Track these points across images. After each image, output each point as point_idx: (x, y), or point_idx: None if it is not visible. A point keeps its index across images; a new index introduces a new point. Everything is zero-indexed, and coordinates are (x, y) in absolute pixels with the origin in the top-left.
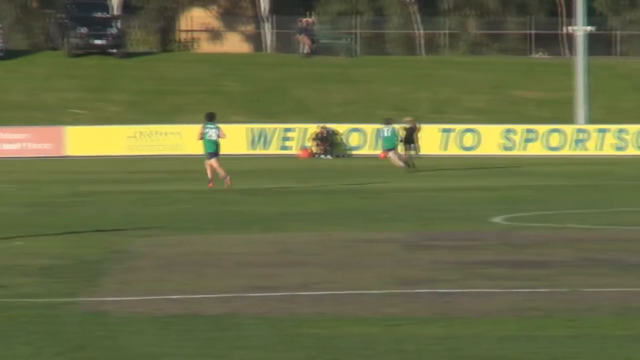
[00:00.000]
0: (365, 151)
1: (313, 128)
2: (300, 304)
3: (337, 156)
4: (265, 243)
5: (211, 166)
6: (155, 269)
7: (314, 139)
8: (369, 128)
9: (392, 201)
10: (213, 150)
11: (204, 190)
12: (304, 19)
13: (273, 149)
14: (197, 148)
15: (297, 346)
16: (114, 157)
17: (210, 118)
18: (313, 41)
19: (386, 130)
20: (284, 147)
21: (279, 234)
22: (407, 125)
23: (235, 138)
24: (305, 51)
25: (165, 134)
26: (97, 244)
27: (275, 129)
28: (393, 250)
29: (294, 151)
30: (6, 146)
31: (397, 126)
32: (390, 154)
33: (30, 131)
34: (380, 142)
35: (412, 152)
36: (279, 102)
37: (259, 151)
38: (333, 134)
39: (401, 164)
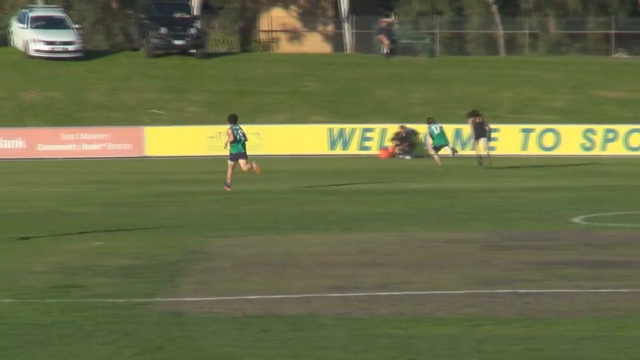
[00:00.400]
0: (444, 151)
1: (393, 128)
2: (380, 304)
3: (417, 156)
4: (344, 243)
5: (244, 167)
6: (233, 270)
7: (393, 139)
8: (450, 128)
9: (471, 201)
10: (242, 151)
11: (283, 190)
12: (384, 19)
13: (353, 149)
14: (277, 148)
15: (376, 346)
16: (193, 157)
17: (235, 120)
18: (393, 41)
19: (435, 128)
20: (363, 148)
21: (358, 234)
22: (477, 120)
23: (315, 138)
24: (385, 51)
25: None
26: (176, 244)
27: (355, 129)
28: (472, 250)
29: (373, 151)
30: (86, 146)
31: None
32: (434, 152)
33: (110, 131)
34: (430, 141)
35: (482, 147)
36: (358, 102)
37: (339, 151)
38: (413, 134)
39: (440, 164)
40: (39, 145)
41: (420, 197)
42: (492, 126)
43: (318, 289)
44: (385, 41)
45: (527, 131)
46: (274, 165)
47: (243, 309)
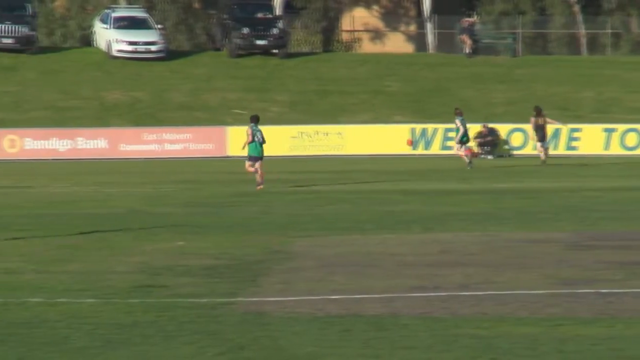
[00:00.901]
0: (527, 151)
1: (475, 128)
2: (461, 304)
3: (499, 156)
4: (425, 243)
5: (258, 168)
6: (316, 269)
7: (475, 139)
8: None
9: (553, 201)
10: (259, 154)
11: (365, 190)
12: (466, 19)
13: (434, 149)
14: (359, 148)
15: (457, 346)
16: (276, 157)
17: (256, 120)
18: (475, 41)
19: (462, 122)
20: (445, 147)
21: (440, 234)
22: (539, 122)
23: (397, 138)
24: (467, 51)
25: (327, 134)
26: (259, 244)
27: (437, 128)
28: (554, 250)
29: (455, 151)
30: (168, 146)
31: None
32: (459, 148)
33: (192, 131)
34: (458, 136)
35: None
36: (440, 102)
37: (421, 151)
38: (495, 133)
39: (467, 160)
40: (121, 145)
41: (502, 196)
42: (574, 126)
43: (400, 289)
44: (468, 41)
45: (609, 131)
46: (355, 165)
47: (325, 309)
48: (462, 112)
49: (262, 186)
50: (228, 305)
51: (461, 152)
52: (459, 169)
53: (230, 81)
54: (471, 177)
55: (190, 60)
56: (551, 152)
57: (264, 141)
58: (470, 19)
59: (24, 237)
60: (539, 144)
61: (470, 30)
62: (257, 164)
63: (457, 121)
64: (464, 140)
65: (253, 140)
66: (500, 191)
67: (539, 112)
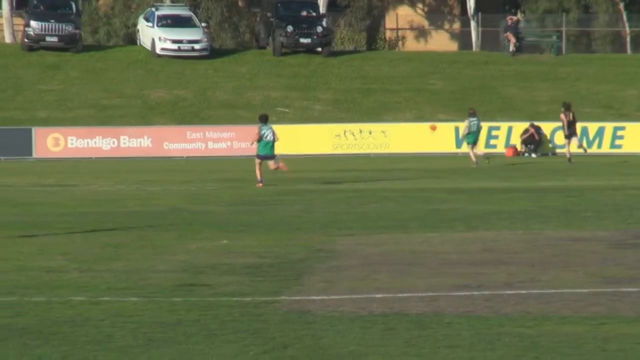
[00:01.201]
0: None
1: (519, 126)
2: (505, 302)
3: (543, 154)
4: (469, 241)
5: (271, 166)
6: (359, 268)
7: (521, 135)
8: (578, 126)
9: (597, 199)
10: (269, 153)
11: (408, 188)
12: (510, 17)
13: (479, 148)
14: (403, 146)
15: (500, 345)
16: (319, 155)
17: (265, 120)
18: (519, 39)
19: (473, 123)
20: (490, 146)
21: (483, 233)
22: (570, 118)
23: (442, 136)
24: (511, 49)
25: (371, 132)
26: (302, 242)
27: (481, 127)
28: (598, 248)
29: (499, 149)
30: (212, 145)
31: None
32: (471, 148)
33: (236, 130)
34: (469, 137)
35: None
36: (484, 101)
37: (465, 150)
38: (540, 132)
39: (474, 159)
40: (165, 143)
41: (546, 195)
42: (619, 124)
43: (443, 288)
44: (512, 39)
45: None
46: (399, 163)
47: (369, 307)
48: (476, 112)
49: (261, 184)
50: (271, 304)
51: (472, 151)
52: (501, 167)
53: (274, 79)
54: (515, 175)
55: (233, 58)
56: (594, 150)
57: (275, 139)
58: (515, 17)
59: (67, 234)
60: (573, 140)
61: (514, 28)
62: (271, 163)
63: (466, 121)
64: (469, 140)
65: (261, 139)
66: (543, 189)
67: (567, 108)
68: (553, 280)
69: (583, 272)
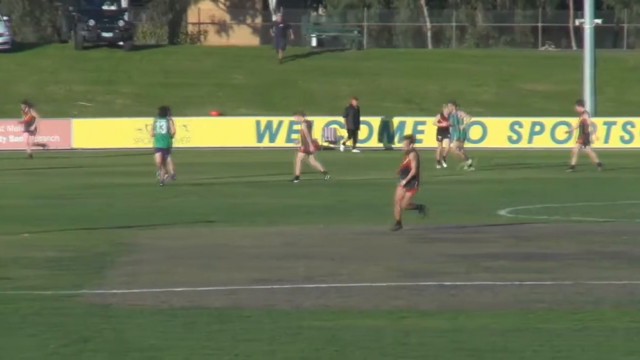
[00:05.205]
0: (372, 144)
1: (321, 120)
2: (305, 296)
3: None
4: (270, 235)
5: (163, 161)
6: (160, 262)
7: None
8: (376, 121)
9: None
10: (165, 145)
11: (210, 182)
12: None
13: (280, 142)
14: (204, 140)
15: (301, 338)
16: (121, 149)
17: (164, 113)
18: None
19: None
20: (291, 140)
21: (284, 227)
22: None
23: (243, 131)
24: (313, 44)
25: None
26: (104, 236)
27: (282, 121)
28: (398, 242)
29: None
30: (13, 139)
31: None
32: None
33: (37, 123)
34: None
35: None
36: (287, 95)
37: (266, 144)
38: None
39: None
40: None
41: (347, 189)
42: (420, 119)
43: (243, 281)
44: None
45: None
46: (201, 157)
47: (170, 301)
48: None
49: (169, 179)
50: (72, 298)
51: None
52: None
53: (76, 73)
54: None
55: (35, 52)
56: (395, 144)
57: (169, 132)
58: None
59: None
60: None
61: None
62: (160, 156)
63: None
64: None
65: (155, 133)
66: (346, 184)
67: (582, 104)
68: (353, 274)
69: (383, 266)
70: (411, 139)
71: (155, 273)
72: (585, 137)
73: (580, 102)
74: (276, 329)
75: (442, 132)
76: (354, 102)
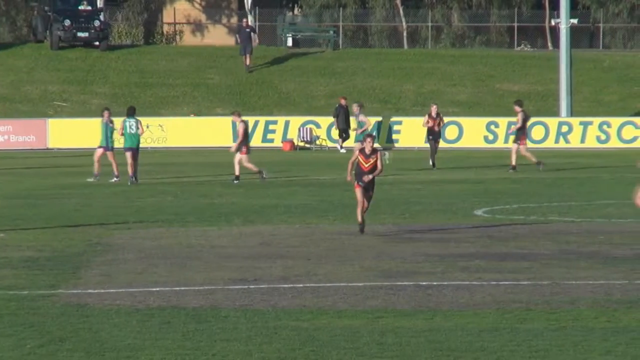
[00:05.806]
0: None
1: (296, 120)
2: (281, 296)
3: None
4: (246, 235)
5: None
6: (136, 262)
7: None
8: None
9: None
10: (135, 144)
11: (186, 182)
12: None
13: (256, 142)
14: (180, 141)
15: (277, 338)
16: (94, 149)
17: (132, 112)
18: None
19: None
20: (267, 140)
21: (261, 227)
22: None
23: (219, 130)
24: (287, 44)
25: (148, 126)
26: (79, 236)
27: (258, 121)
28: (374, 242)
29: (277, 144)
30: None
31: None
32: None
33: (13, 124)
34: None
35: None
36: (262, 95)
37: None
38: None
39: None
40: None
41: (324, 189)
42: (395, 119)
43: (220, 281)
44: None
45: None
46: (177, 157)
47: (146, 301)
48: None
49: (130, 180)
50: (48, 297)
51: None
52: (275, 162)
53: (52, 73)
54: (294, 169)
55: (11, 52)
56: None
57: (137, 131)
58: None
59: None
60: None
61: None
62: (130, 155)
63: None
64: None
65: (125, 132)
66: (322, 184)
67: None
68: (329, 274)
69: (359, 266)
70: (372, 137)
71: (132, 273)
72: (523, 137)
73: (519, 102)
74: (253, 329)
75: (433, 134)
76: (343, 102)
